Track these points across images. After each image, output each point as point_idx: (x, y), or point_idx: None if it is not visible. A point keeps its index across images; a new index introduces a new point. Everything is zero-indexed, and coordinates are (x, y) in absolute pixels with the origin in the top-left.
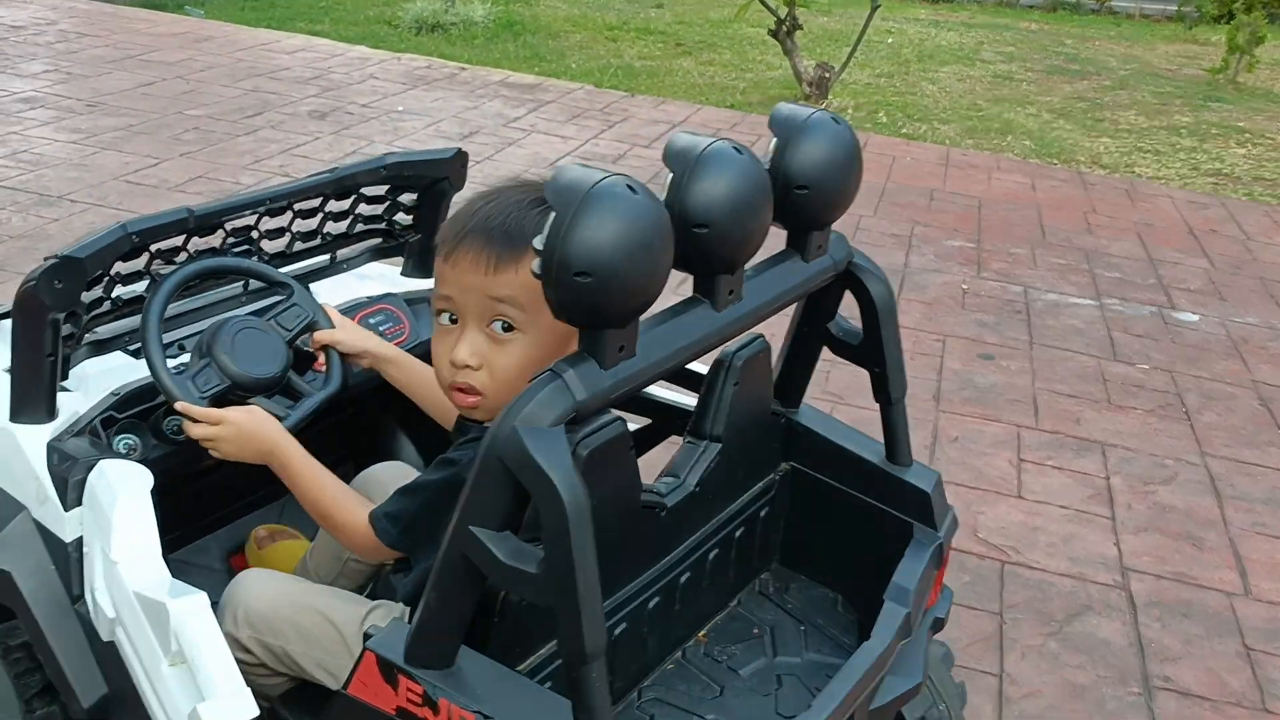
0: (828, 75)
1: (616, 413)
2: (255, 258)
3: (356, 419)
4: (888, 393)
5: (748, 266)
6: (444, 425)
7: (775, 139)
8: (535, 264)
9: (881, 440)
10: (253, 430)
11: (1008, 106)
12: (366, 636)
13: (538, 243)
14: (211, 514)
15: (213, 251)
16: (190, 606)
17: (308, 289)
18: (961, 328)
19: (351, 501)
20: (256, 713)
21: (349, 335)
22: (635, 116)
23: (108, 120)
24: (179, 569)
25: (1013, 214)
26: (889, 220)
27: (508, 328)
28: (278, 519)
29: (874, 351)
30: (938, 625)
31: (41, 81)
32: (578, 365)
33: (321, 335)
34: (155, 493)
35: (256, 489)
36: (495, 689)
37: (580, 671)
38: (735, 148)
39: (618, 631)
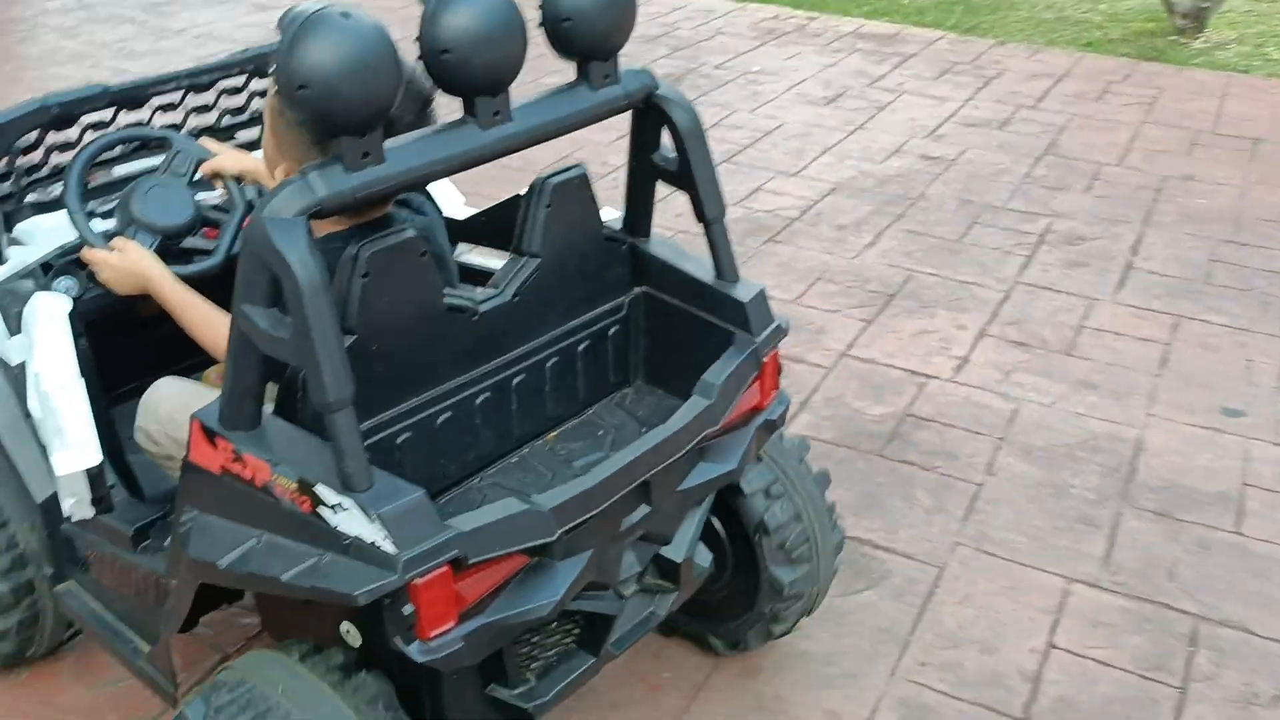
0: (1205, 4)
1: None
2: (183, 131)
3: None
4: (704, 212)
5: (532, 95)
6: None
7: None
8: (272, 85)
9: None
10: (125, 265)
11: None
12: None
13: (272, 70)
14: (173, 365)
15: (138, 124)
16: (66, 386)
17: (189, 137)
18: None
19: (220, 321)
20: (98, 460)
21: (230, 158)
22: (1011, 70)
23: None
24: None
25: None
26: None
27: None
28: None
29: (687, 176)
30: (770, 426)
31: None
32: (323, 168)
33: (206, 165)
34: (113, 334)
35: None
36: (285, 443)
37: (331, 419)
38: None
39: (441, 419)
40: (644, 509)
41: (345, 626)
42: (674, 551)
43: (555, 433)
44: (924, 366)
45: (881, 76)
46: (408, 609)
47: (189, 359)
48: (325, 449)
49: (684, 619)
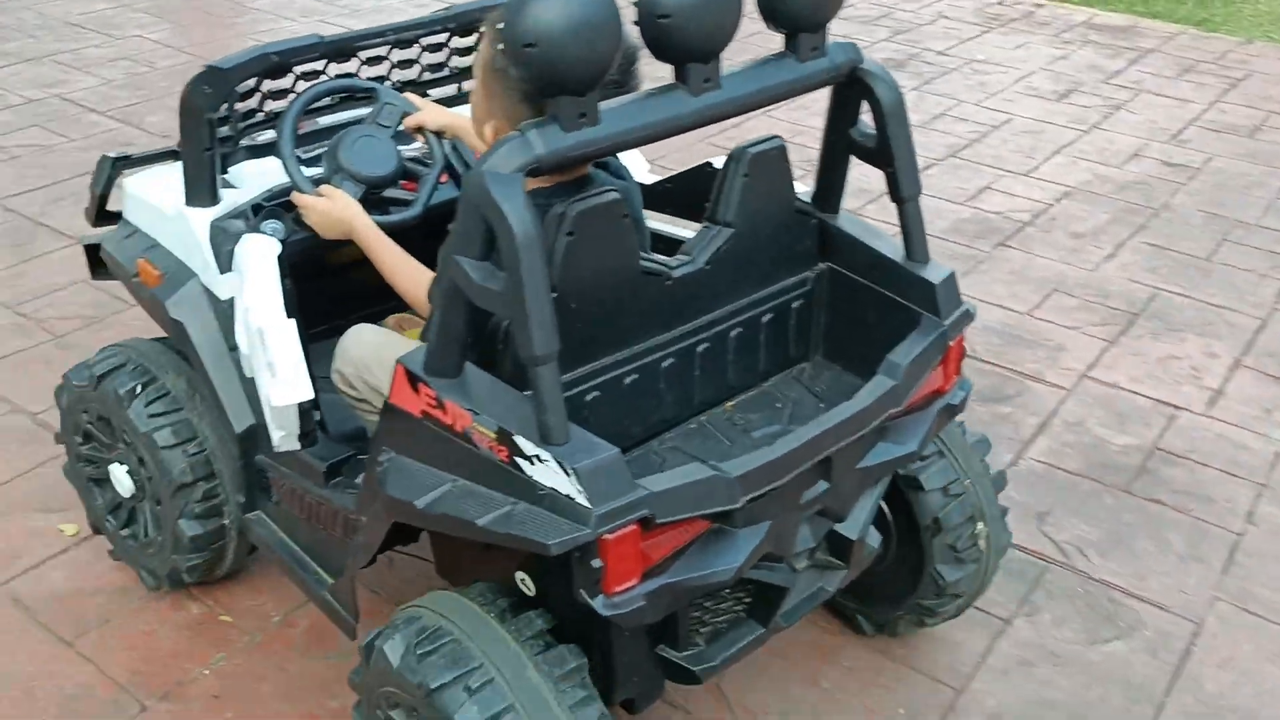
0: None
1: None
2: (387, 84)
3: None
4: (900, 192)
5: (739, 65)
6: None
7: None
8: (495, 59)
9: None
10: (332, 211)
11: None
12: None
13: (499, 26)
14: (366, 309)
15: (346, 76)
16: (280, 326)
17: (395, 90)
18: None
19: (419, 273)
20: (310, 395)
21: (432, 114)
22: (1259, 71)
23: None
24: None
25: None
26: None
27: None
28: None
29: (886, 153)
30: (951, 411)
31: None
32: (541, 126)
33: (410, 119)
34: (310, 277)
35: None
36: (486, 394)
37: (535, 372)
38: None
39: (629, 381)
40: (823, 485)
41: (521, 576)
42: (848, 529)
43: (733, 402)
44: (1173, 396)
45: (1117, 72)
46: (596, 563)
47: (372, 307)
48: (524, 401)
49: (837, 595)
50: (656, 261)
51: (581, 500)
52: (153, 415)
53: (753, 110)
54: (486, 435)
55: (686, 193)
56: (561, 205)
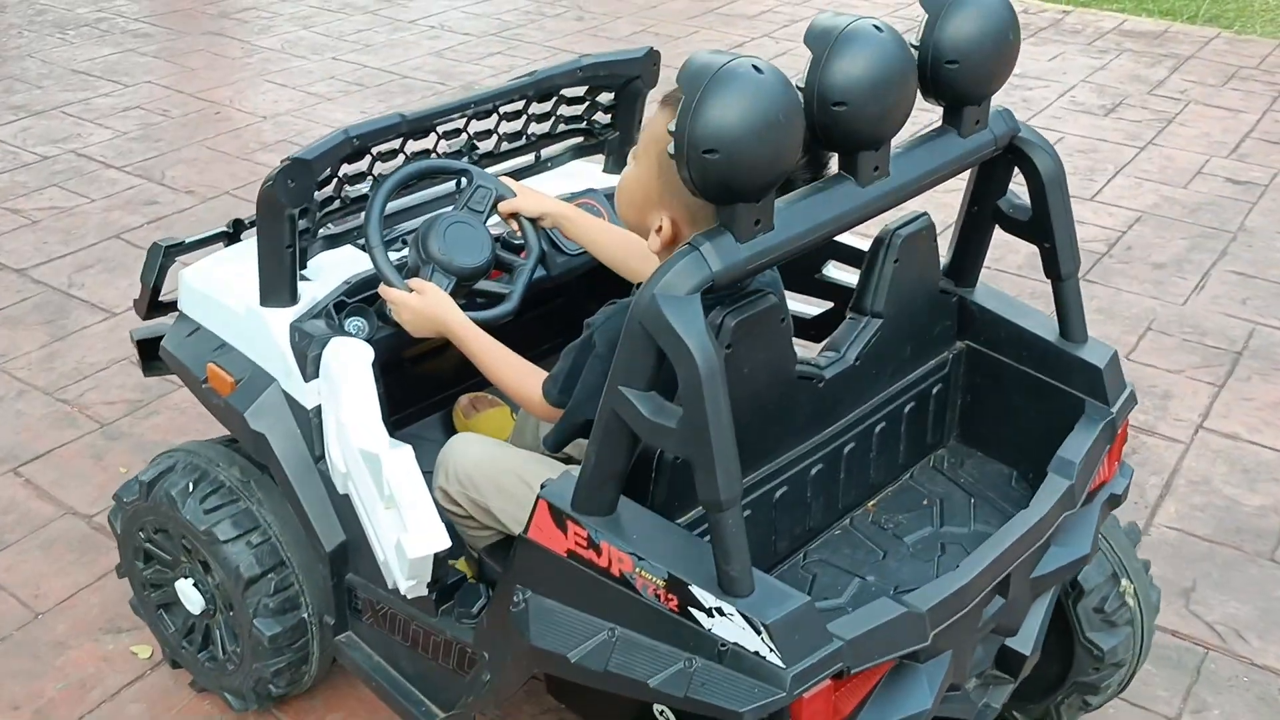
0: None
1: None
2: (467, 159)
3: (567, 308)
4: (1059, 268)
5: (900, 143)
6: (629, 279)
7: (926, 14)
8: (669, 146)
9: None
10: (426, 309)
11: None
12: (542, 488)
13: (671, 126)
14: (437, 395)
15: (426, 154)
16: (398, 456)
17: (484, 170)
18: None
19: (524, 368)
20: (448, 544)
21: (529, 200)
22: None
23: None
24: (407, 441)
25: None
26: None
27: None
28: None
29: (1043, 227)
30: (1114, 501)
31: None
32: (714, 238)
33: (505, 205)
34: (383, 370)
35: (476, 373)
36: (649, 534)
37: (717, 517)
38: (875, 25)
39: (779, 495)
40: (999, 601)
41: (660, 709)
42: (1021, 644)
43: (874, 501)
44: None
45: (1160, 82)
46: None
47: (443, 392)
48: (691, 542)
49: None
50: (809, 363)
51: (774, 659)
52: (208, 511)
53: (916, 195)
54: (652, 582)
55: (795, 264)
56: (719, 314)
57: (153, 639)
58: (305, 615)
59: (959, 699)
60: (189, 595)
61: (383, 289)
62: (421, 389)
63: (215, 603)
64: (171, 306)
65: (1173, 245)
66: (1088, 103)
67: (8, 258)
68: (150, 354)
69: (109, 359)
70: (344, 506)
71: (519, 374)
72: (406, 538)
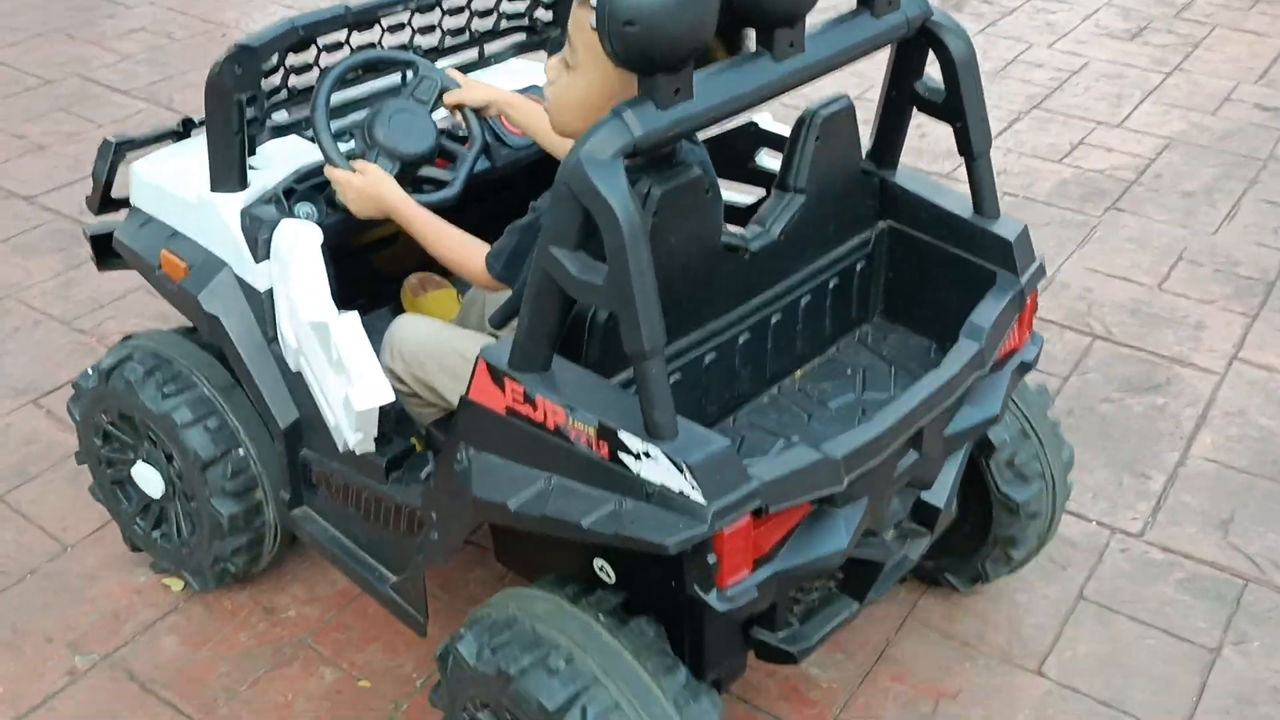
0: None
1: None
2: (411, 52)
3: (513, 204)
4: (971, 147)
5: (816, 24)
6: None
7: None
8: (591, 19)
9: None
10: (368, 188)
11: None
12: (481, 351)
13: (592, 0)
14: (386, 288)
15: (370, 46)
16: (345, 322)
17: (431, 62)
18: None
19: (468, 244)
20: (392, 398)
21: (474, 91)
22: None
23: None
24: None
25: None
26: None
27: (570, 64)
28: None
29: (956, 107)
30: (1024, 368)
31: None
32: (636, 106)
33: (450, 96)
34: (334, 261)
35: (425, 266)
36: (581, 388)
37: (642, 366)
38: None
39: (708, 360)
40: (913, 455)
41: (600, 563)
42: (935, 497)
43: (801, 371)
44: None
45: (1186, 4)
46: (711, 558)
47: (389, 287)
48: (622, 395)
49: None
50: (735, 235)
51: (696, 496)
52: (166, 396)
53: (831, 72)
54: (585, 431)
55: (729, 153)
56: (646, 183)
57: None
58: (261, 496)
59: (876, 545)
60: (148, 479)
61: (328, 170)
62: (372, 282)
63: (174, 488)
64: (124, 203)
65: (1202, 173)
66: (1113, 27)
67: (17, 185)
68: (104, 250)
69: (125, 288)
70: (297, 384)
71: (461, 246)
72: (353, 393)
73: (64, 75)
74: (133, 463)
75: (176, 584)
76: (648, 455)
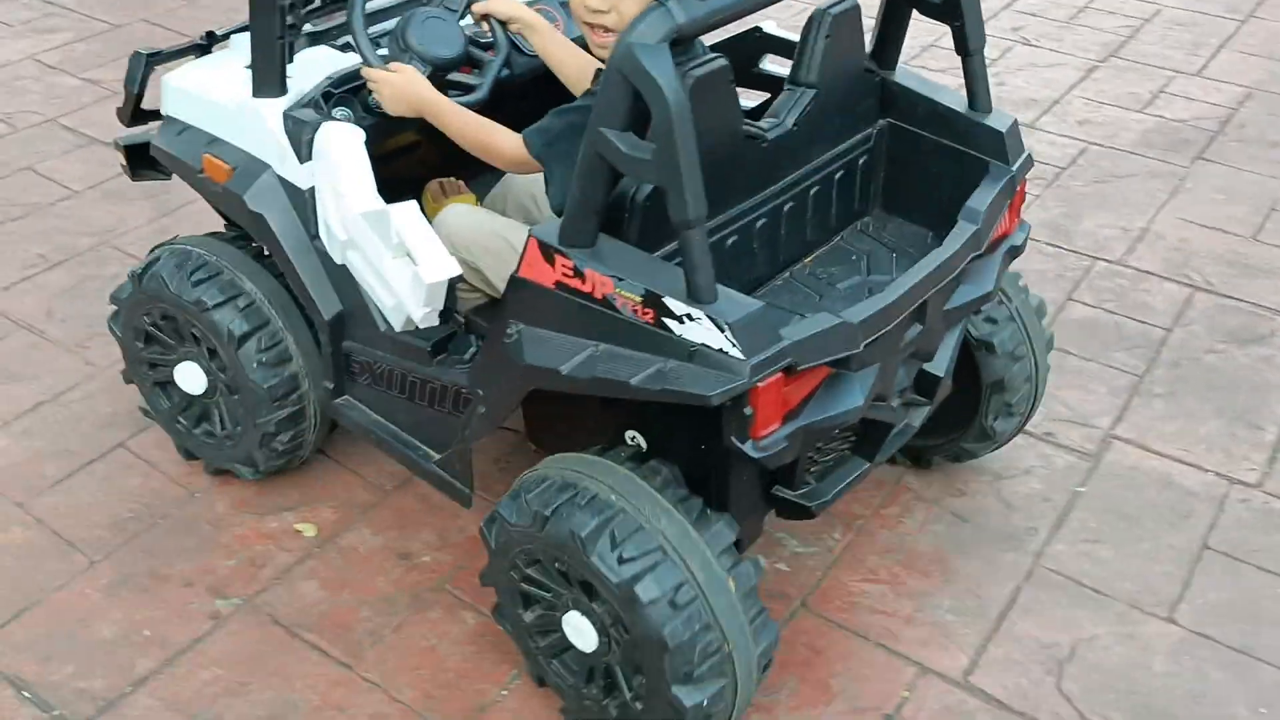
0: None
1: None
2: None
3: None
4: (967, 44)
5: None
6: (576, 93)
7: None
8: None
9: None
10: (404, 85)
11: None
12: (530, 231)
13: None
14: (409, 195)
15: None
16: (404, 208)
17: None
18: None
19: (499, 130)
20: (459, 271)
21: (501, 3)
22: None
23: None
24: None
25: None
26: None
27: None
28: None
29: (953, 7)
30: (1014, 252)
31: None
32: None
33: (479, 6)
34: (370, 158)
35: (453, 168)
36: (627, 260)
37: (687, 235)
38: None
39: (729, 242)
40: (918, 327)
41: (632, 434)
42: (935, 367)
43: (811, 258)
44: None
45: None
46: (747, 411)
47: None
48: (663, 265)
49: (932, 444)
50: (754, 124)
51: (735, 353)
52: (195, 284)
53: None
54: (631, 300)
55: (734, 58)
56: (680, 70)
57: (318, 516)
58: (297, 370)
59: (885, 409)
60: (191, 376)
61: (364, 70)
62: (394, 188)
63: (216, 382)
64: (154, 115)
65: None
66: None
67: (98, 131)
68: (136, 162)
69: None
70: (340, 278)
71: (495, 133)
72: (422, 269)
73: (130, 20)
74: (175, 363)
75: (309, 529)
76: (690, 318)
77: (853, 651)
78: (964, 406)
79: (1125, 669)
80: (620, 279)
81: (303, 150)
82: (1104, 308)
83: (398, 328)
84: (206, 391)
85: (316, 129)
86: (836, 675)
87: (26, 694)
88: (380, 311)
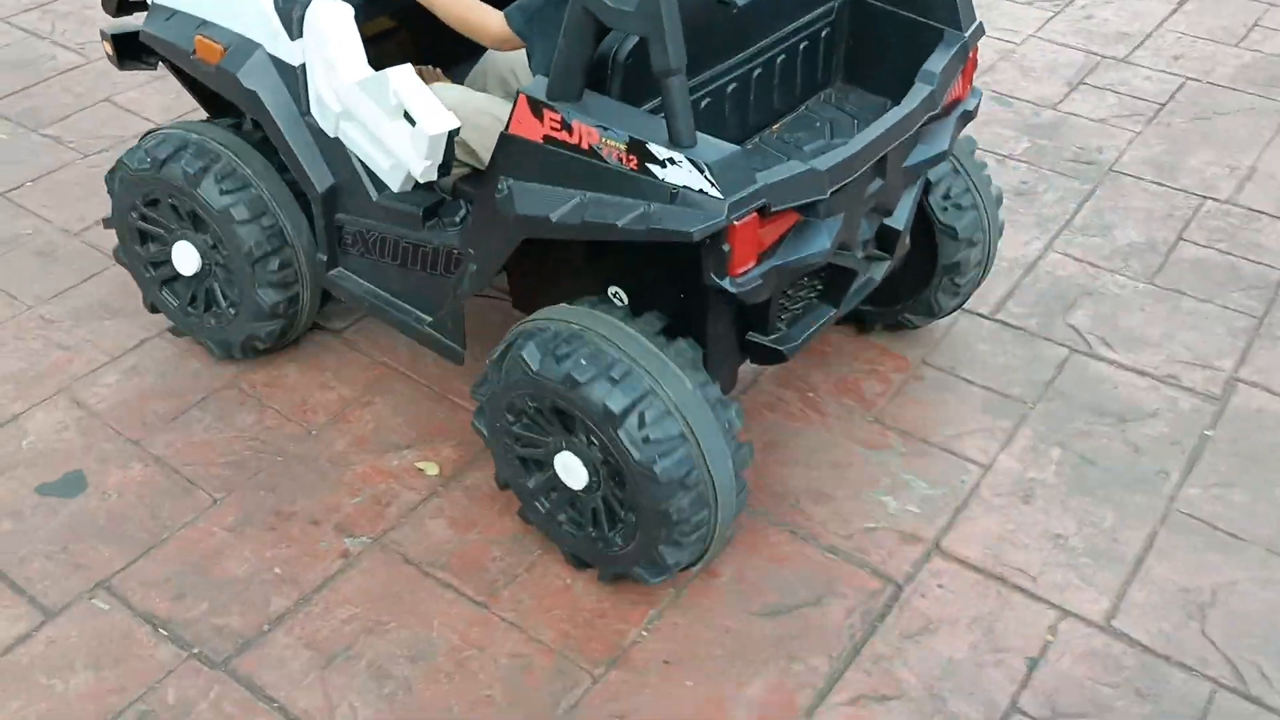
0: None
1: None
2: None
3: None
4: None
5: None
6: None
7: None
8: None
9: None
10: None
11: None
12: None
13: None
14: None
15: None
16: (401, 71)
17: None
18: None
19: (481, 7)
20: (459, 124)
21: None
22: None
23: None
24: None
25: None
26: None
27: None
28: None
29: None
30: (966, 117)
31: None
32: None
33: None
34: None
35: (431, 56)
36: (611, 112)
37: (668, 82)
38: None
39: (703, 104)
40: (879, 182)
41: (614, 290)
42: (895, 221)
43: (779, 124)
44: None
45: None
46: (725, 247)
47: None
48: (645, 115)
49: (878, 311)
50: None
51: (714, 192)
52: (225, 192)
53: None
54: (616, 147)
55: None
56: None
57: (439, 455)
58: (300, 289)
59: (849, 257)
60: (185, 258)
61: None
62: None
63: (210, 269)
64: (138, 6)
65: None
66: None
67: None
68: (125, 50)
69: None
70: (332, 152)
71: (475, 8)
72: (424, 124)
73: None
74: (171, 242)
75: (431, 467)
76: (672, 161)
77: (989, 594)
78: (916, 281)
79: (1268, 614)
80: (606, 128)
81: (293, 27)
82: (1216, 248)
83: (396, 188)
84: (199, 274)
85: (306, 6)
86: (975, 619)
87: (163, 630)
88: (373, 180)
